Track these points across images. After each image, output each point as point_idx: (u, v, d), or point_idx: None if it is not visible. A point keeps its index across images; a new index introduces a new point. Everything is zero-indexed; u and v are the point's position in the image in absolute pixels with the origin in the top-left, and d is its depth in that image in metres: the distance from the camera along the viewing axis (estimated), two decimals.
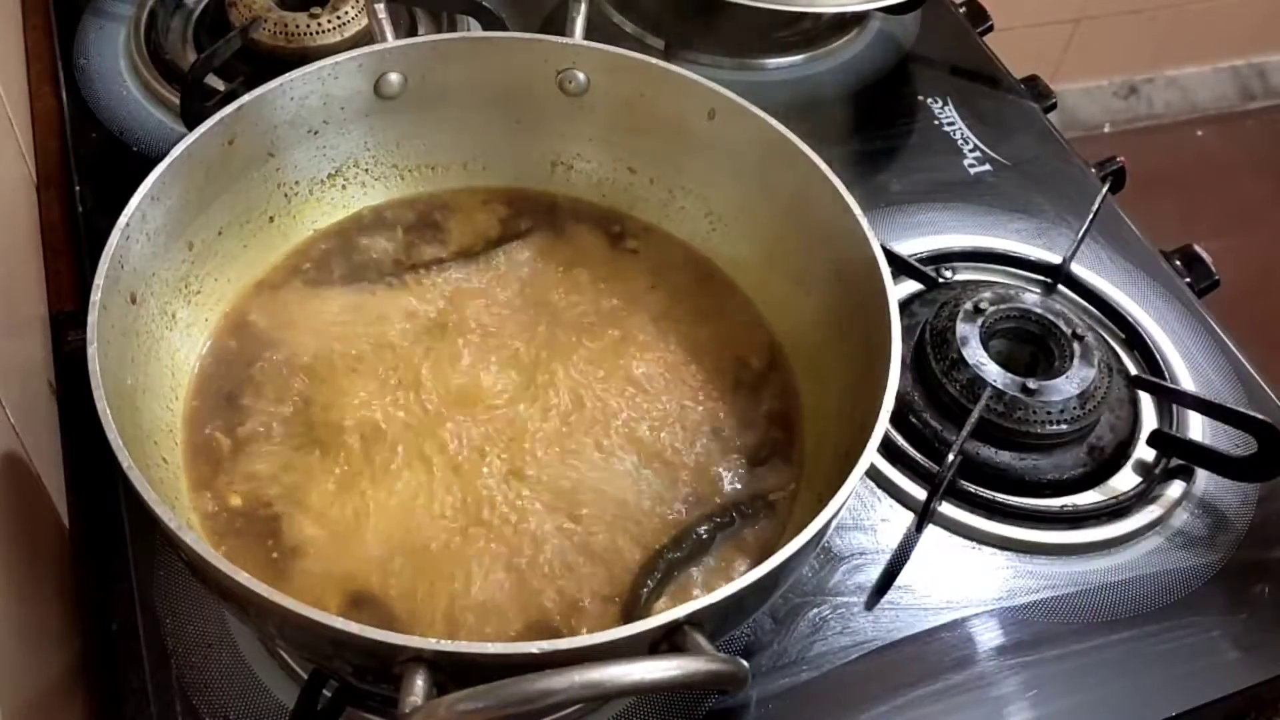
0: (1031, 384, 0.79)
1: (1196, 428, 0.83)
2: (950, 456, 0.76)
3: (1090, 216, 0.93)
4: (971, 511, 0.77)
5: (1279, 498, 0.81)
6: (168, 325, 0.67)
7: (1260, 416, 0.78)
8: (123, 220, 0.61)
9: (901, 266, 0.88)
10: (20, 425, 0.69)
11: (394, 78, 0.74)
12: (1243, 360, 0.89)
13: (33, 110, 0.96)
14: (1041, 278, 0.92)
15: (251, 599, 0.49)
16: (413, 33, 1.01)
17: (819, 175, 0.69)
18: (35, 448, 0.71)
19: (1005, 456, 0.79)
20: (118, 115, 0.94)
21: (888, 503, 0.78)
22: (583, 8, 0.75)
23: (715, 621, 0.51)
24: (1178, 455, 0.81)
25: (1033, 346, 0.84)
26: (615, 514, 0.65)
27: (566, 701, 0.45)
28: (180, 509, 0.61)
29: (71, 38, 1.00)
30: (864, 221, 0.66)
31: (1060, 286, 0.91)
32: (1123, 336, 0.89)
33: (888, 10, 1.09)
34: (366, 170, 0.77)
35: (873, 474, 0.79)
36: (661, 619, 0.49)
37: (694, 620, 0.49)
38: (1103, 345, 0.84)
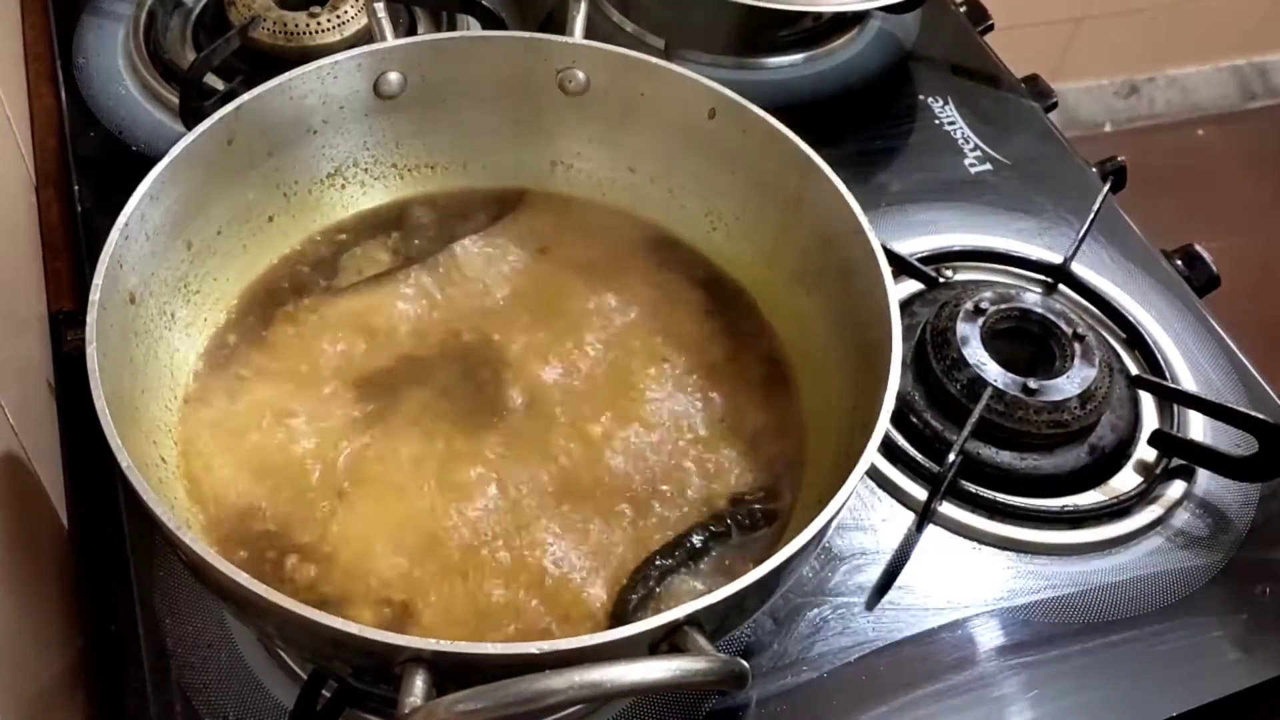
0: (1032, 384, 0.79)
1: (1197, 427, 0.83)
2: (951, 456, 0.76)
3: (1091, 216, 0.93)
4: (972, 511, 0.77)
5: None
6: (167, 325, 0.67)
7: (1261, 416, 0.78)
8: (122, 220, 0.61)
9: (902, 266, 0.88)
10: (19, 425, 0.69)
11: (393, 77, 0.74)
12: (1243, 360, 0.89)
13: (31, 110, 0.95)
14: (1042, 277, 0.92)
15: (251, 599, 0.48)
16: (412, 32, 1.01)
17: (819, 175, 0.68)
18: (34, 448, 0.71)
19: (1006, 456, 0.79)
20: (117, 115, 0.94)
21: (888, 503, 0.78)
22: (583, 7, 0.75)
23: (715, 621, 0.51)
24: (1178, 455, 0.81)
25: (1033, 346, 0.84)
26: (606, 517, 0.65)
27: (566, 702, 0.44)
28: (179, 509, 0.61)
29: (70, 37, 1.00)
30: (864, 221, 0.66)
31: (1061, 286, 0.91)
32: (1123, 336, 0.89)
33: (888, 10, 1.09)
34: (366, 170, 0.77)
35: (873, 474, 0.79)
36: (661, 619, 0.49)
37: (694, 620, 0.49)
38: (1103, 345, 0.84)
